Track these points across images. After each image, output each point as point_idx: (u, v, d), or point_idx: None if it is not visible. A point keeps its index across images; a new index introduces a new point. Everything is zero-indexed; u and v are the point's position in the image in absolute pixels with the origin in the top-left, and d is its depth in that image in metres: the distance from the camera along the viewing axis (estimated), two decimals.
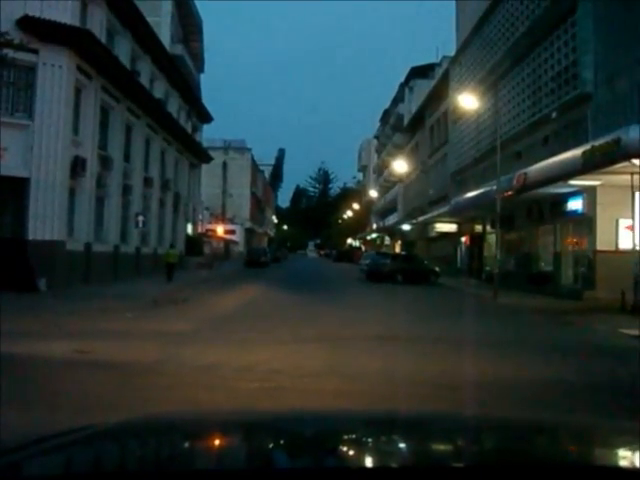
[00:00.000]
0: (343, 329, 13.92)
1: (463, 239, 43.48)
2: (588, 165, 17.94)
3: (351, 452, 1.95)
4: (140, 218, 26.64)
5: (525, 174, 23.24)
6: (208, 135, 60.74)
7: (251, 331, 12.97)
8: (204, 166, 52.27)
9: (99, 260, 25.36)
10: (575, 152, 19.11)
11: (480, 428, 2.32)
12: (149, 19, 30.52)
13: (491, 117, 36.30)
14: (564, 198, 25.09)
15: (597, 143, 17.38)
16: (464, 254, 43.96)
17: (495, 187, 25.66)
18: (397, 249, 66.09)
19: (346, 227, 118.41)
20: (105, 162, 26.57)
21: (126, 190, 29.32)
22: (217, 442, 2.08)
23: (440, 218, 42.21)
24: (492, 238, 37.06)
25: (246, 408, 5.72)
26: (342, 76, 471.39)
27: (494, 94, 30.99)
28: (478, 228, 38.86)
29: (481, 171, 37.77)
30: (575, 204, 24.58)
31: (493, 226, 35.39)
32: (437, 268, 37.10)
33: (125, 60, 27.86)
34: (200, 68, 52.60)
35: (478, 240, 39.18)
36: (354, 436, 2.19)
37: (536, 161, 25.24)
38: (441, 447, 2.08)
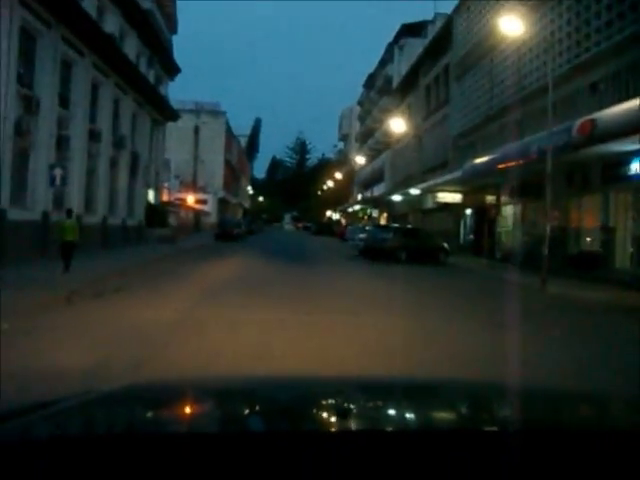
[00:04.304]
0: (350, 345, 8.33)
1: (468, 211, 37.73)
2: None
3: (333, 417, 1.85)
4: (57, 171, 18.88)
5: (593, 120, 17.23)
6: (178, 97, 54.78)
7: (209, 359, 6.98)
8: (173, 131, 46.69)
9: (18, 232, 19.19)
10: None
11: (466, 392, 2.26)
12: None
13: (510, 66, 30.47)
14: (624, 159, 19.42)
15: None
16: (469, 229, 38.24)
17: (539, 143, 19.77)
18: (383, 222, 60.40)
19: (326, 199, 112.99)
20: (28, 103, 20.28)
21: (62, 143, 22.99)
22: (200, 407, 2.02)
23: (443, 187, 36.16)
24: (508, 210, 31.42)
25: (235, 374, 5.30)
26: (320, 43, 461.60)
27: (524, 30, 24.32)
28: (490, 198, 33.03)
29: (496, 131, 31.97)
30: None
31: (511, 195, 29.70)
32: (446, 244, 31.09)
33: None
34: (173, 29, 46.56)
35: (489, 212, 33.45)
36: (338, 401, 2.07)
37: (577, 115, 19.69)
38: (435, 413, 1.99)
